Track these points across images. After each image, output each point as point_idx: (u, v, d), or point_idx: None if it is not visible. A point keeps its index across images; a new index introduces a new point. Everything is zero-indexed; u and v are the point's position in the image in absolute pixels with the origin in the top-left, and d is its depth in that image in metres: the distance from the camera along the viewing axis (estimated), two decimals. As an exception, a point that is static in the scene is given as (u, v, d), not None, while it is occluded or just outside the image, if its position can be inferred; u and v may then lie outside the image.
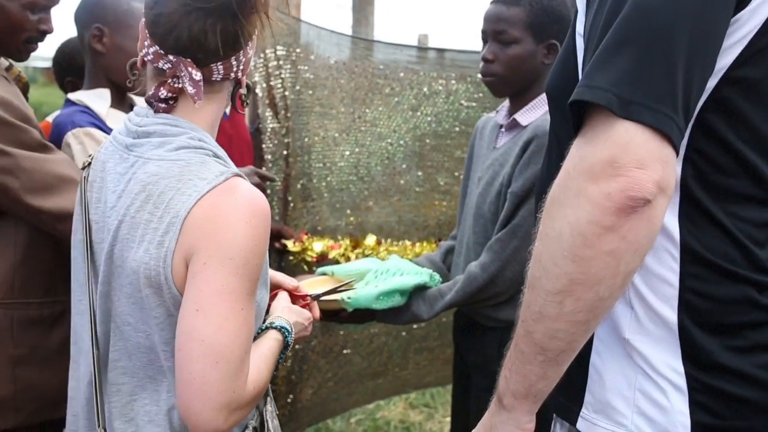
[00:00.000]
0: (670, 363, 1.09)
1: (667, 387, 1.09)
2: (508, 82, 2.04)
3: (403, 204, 3.13)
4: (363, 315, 2.00)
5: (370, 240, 2.79)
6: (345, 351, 3.08)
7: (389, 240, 2.83)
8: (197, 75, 1.26)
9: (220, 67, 1.29)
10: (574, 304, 0.98)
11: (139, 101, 2.21)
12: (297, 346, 2.83)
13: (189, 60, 1.26)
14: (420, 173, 3.15)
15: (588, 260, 0.95)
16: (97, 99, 2.06)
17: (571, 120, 1.02)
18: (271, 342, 1.39)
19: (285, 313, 1.51)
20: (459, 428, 2.37)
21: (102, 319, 1.33)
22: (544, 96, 1.99)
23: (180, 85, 1.27)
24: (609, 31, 0.97)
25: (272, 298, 1.57)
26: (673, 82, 0.94)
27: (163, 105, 1.31)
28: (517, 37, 1.97)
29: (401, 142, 3.13)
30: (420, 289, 2.05)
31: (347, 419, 3.91)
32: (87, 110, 2.03)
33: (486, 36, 2.05)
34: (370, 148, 3.08)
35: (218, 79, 1.30)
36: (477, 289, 1.97)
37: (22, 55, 1.89)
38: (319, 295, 1.80)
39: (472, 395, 2.18)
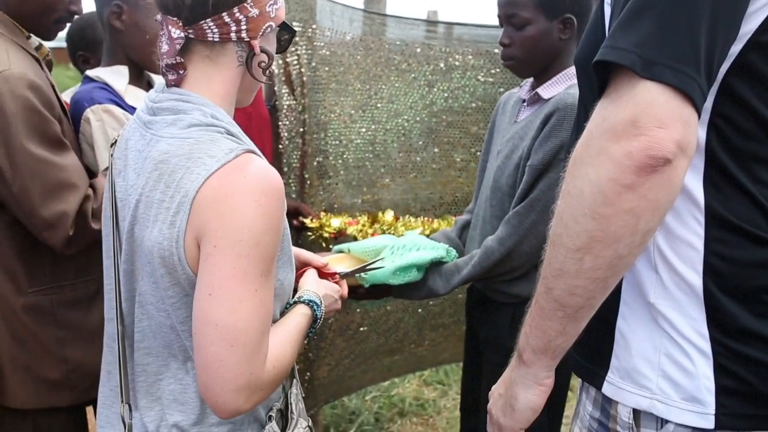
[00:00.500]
0: (695, 327, 1.09)
1: (692, 351, 1.09)
2: (528, 64, 2.02)
3: (420, 181, 3.11)
4: (380, 291, 2.00)
5: (389, 216, 2.79)
6: (362, 328, 3.09)
7: (407, 216, 2.82)
8: (176, 33, 1.23)
9: (212, 25, 1.23)
10: (594, 261, 1.00)
11: (157, 78, 2.22)
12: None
13: (174, 18, 1.23)
14: (436, 150, 3.13)
15: (607, 218, 0.96)
16: (116, 76, 2.06)
17: (595, 82, 1.03)
18: (297, 317, 1.38)
19: (313, 286, 1.50)
20: (469, 403, 2.38)
21: (127, 297, 1.32)
22: (567, 71, 1.99)
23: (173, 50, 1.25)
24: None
25: (300, 276, 1.57)
26: (696, 44, 0.95)
27: (173, 76, 1.28)
28: (529, 18, 1.95)
29: (417, 118, 3.10)
30: (436, 264, 2.05)
31: (362, 397, 3.93)
32: (106, 87, 2.04)
33: (500, 20, 2.04)
34: (386, 125, 3.06)
35: (216, 39, 1.25)
36: (494, 263, 1.96)
37: (51, 34, 1.91)
38: (348, 273, 1.80)
39: (483, 371, 2.19)
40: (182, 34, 1.23)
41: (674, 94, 0.94)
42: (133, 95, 2.06)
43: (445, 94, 3.13)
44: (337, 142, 2.94)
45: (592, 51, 1.16)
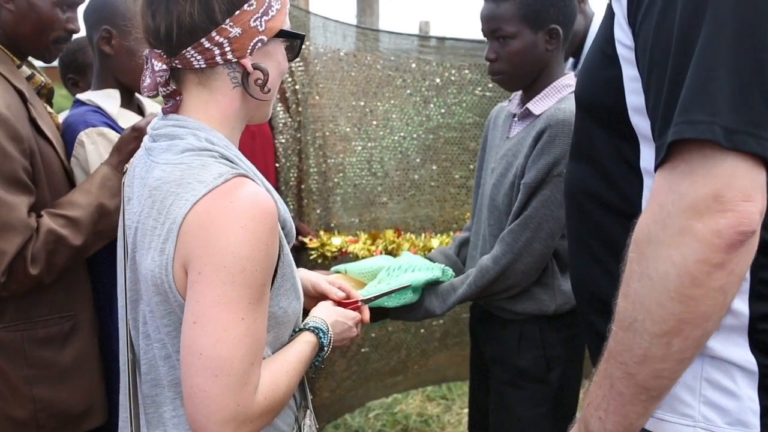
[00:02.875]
0: (738, 350, 1.07)
1: (736, 372, 1.07)
2: (516, 78, 2.00)
3: (418, 199, 3.08)
4: (376, 313, 1.98)
5: (390, 232, 2.76)
6: (363, 350, 3.05)
7: (408, 234, 2.79)
8: (158, 65, 1.21)
9: (194, 52, 1.20)
10: (683, 343, 0.96)
11: (146, 102, 2.20)
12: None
13: (158, 51, 1.22)
14: (434, 167, 3.10)
15: (697, 299, 0.93)
16: (107, 99, 2.04)
17: (656, 155, 0.98)
18: (301, 345, 1.34)
19: (322, 313, 1.46)
20: (476, 421, 2.35)
21: (134, 325, 1.30)
22: (556, 83, 1.97)
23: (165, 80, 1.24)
24: (691, 55, 0.94)
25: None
26: None
27: (169, 104, 1.26)
28: (513, 32, 1.93)
29: (414, 135, 3.08)
30: (433, 284, 2.03)
31: (365, 414, 3.89)
32: (99, 110, 2.02)
33: (485, 35, 2.02)
34: (383, 143, 3.03)
35: (202, 66, 1.22)
36: (489, 281, 1.95)
37: (52, 54, 1.88)
38: (370, 299, 1.77)
39: (491, 388, 2.16)
40: (164, 67, 1.22)
41: (755, 163, 0.91)
42: (126, 118, 2.04)
43: (442, 110, 3.10)
44: (334, 160, 2.91)
45: (598, 91, 1.14)
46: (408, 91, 3.05)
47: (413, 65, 3.06)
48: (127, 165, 1.40)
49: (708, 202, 0.91)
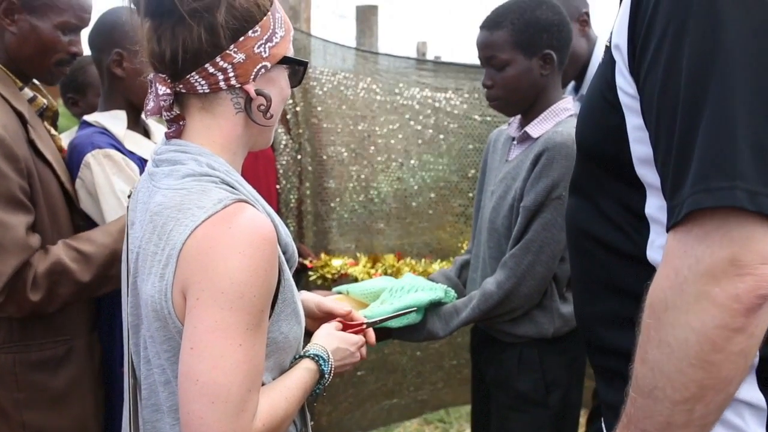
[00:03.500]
0: (746, 388, 1.05)
1: (744, 409, 1.05)
2: (512, 103, 2.03)
3: (416, 227, 3.07)
4: (380, 334, 1.97)
5: (389, 256, 2.76)
6: (359, 372, 3.03)
7: (408, 258, 2.78)
8: (162, 89, 1.22)
9: (198, 77, 1.22)
10: (705, 408, 0.95)
11: (153, 124, 2.21)
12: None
13: (162, 75, 1.23)
14: (432, 195, 3.09)
15: (718, 364, 0.91)
16: (114, 120, 2.05)
17: (668, 216, 0.97)
18: (300, 372, 1.33)
19: (323, 339, 1.45)
20: (479, 445, 2.33)
21: (135, 350, 1.30)
22: (554, 107, 2.00)
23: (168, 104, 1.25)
24: (701, 113, 0.92)
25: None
26: None
27: (172, 129, 1.27)
28: (507, 59, 1.96)
29: (413, 161, 3.07)
30: (435, 306, 2.03)
31: (363, 438, 3.86)
32: (105, 132, 2.02)
33: (481, 62, 2.05)
34: (380, 167, 3.03)
35: (206, 91, 1.23)
36: (493, 306, 1.96)
37: (54, 77, 1.89)
38: (375, 322, 1.76)
39: (492, 412, 2.16)
40: (168, 91, 1.23)
41: None
42: (132, 140, 2.05)
43: (441, 135, 3.09)
44: (332, 185, 2.91)
45: (598, 137, 1.13)
46: (407, 116, 3.05)
47: (413, 89, 3.06)
48: (131, 189, 1.40)
49: (725, 267, 0.89)
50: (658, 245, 1.06)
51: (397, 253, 2.81)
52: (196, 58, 1.20)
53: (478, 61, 2.08)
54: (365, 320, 1.68)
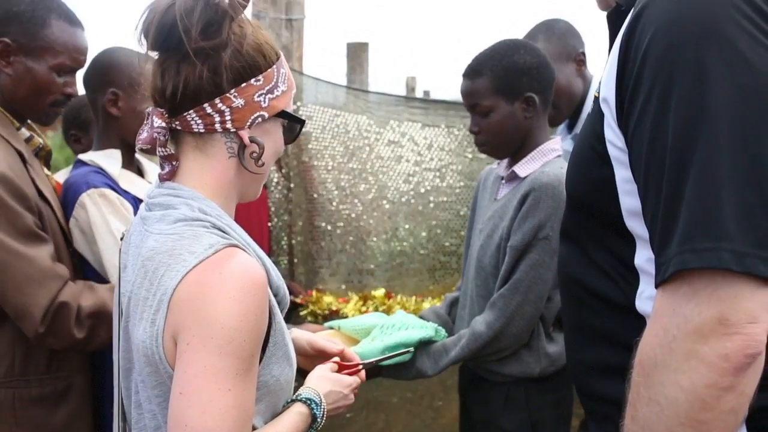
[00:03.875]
0: None
1: None
2: (500, 147, 2.07)
3: (407, 267, 3.06)
4: (369, 372, 1.97)
5: (380, 292, 2.75)
6: (348, 415, 2.99)
7: (399, 295, 2.77)
8: (157, 122, 1.23)
9: (195, 116, 1.23)
10: None
11: (146, 163, 2.22)
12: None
13: (161, 110, 1.24)
14: (424, 234, 3.08)
15: (708, 423, 0.92)
16: (109, 159, 2.06)
17: (656, 273, 0.97)
18: (292, 416, 1.32)
19: (315, 382, 1.44)
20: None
21: (126, 395, 1.29)
22: (541, 147, 2.04)
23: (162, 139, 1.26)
24: (687, 172, 0.92)
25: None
26: None
27: (166, 170, 1.28)
28: (490, 105, 2.01)
29: (403, 199, 3.07)
30: (425, 344, 2.04)
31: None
32: (100, 171, 2.03)
33: (467, 109, 2.10)
34: (371, 206, 3.03)
35: (201, 131, 1.24)
36: (482, 345, 1.98)
37: (49, 118, 1.91)
38: (370, 363, 1.76)
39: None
40: (163, 124, 1.24)
41: (758, 283, 0.89)
42: (127, 179, 2.06)
43: (432, 174, 3.10)
44: (323, 223, 2.90)
45: (588, 189, 1.14)
46: (398, 153, 3.06)
47: (403, 126, 3.08)
48: (123, 231, 1.41)
49: (713, 325, 0.89)
50: (647, 296, 1.06)
51: (388, 293, 2.80)
52: (196, 97, 1.22)
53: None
54: (360, 360, 1.67)
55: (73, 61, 1.84)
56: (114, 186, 2.00)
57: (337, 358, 1.60)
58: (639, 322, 1.02)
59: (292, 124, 1.35)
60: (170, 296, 1.15)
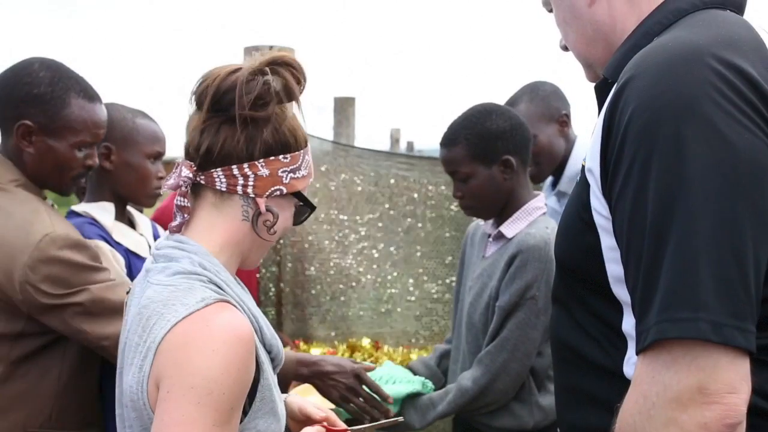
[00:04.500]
0: None
1: None
2: (483, 210, 2.12)
3: (395, 314, 3.11)
4: (355, 425, 1.97)
5: (366, 342, 2.76)
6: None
7: (386, 347, 2.80)
8: (185, 172, 1.30)
9: (221, 174, 1.29)
10: None
11: (137, 215, 2.25)
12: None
13: (190, 162, 1.31)
14: (411, 281, 3.14)
15: None
16: (102, 211, 2.08)
17: (636, 341, 0.98)
18: None
19: None
20: None
21: None
22: (526, 207, 2.07)
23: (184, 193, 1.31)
24: (666, 244, 0.94)
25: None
26: (748, 292, 0.92)
27: (176, 222, 1.33)
28: (468, 172, 2.05)
29: (391, 249, 3.13)
30: (412, 396, 2.05)
31: None
32: (94, 222, 2.05)
33: (449, 175, 2.15)
34: (360, 256, 3.08)
35: (223, 189, 1.30)
36: (468, 401, 2.01)
37: (69, 190, 1.94)
38: (359, 429, 1.72)
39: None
40: (191, 175, 1.30)
41: (737, 354, 0.90)
42: (119, 232, 2.09)
43: (419, 224, 3.17)
44: (312, 272, 2.95)
45: (576, 255, 1.16)
46: (386, 205, 3.13)
47: (392, 181, 3.15)
48: (130, 285, 1.44)
49: (693, 394, 0.90)
50: (634, 362, 1.05)
51: (376, 343, 2.82)
52: (227, 158, 1.29)
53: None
54: (347, 428, 1.64)
55: (93, 136, 1.88)
56: (107, 238, 2.03)
57: (326, 423, 1.59)
58: (627, 386, 1.00)
59: (303, 208, 1.41)
60: (158, 344, 1.18)
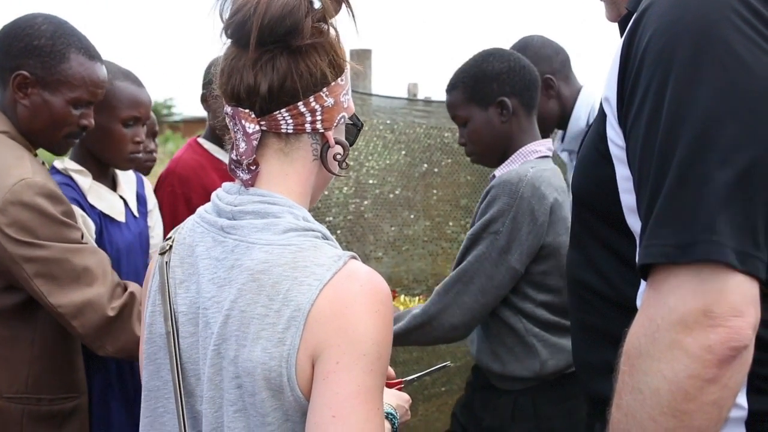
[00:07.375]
0: None
1: None
2: (484, 155, 2.11)
3: (412, 254, 3.18)
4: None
5: None
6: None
7: (402, 296, 2.88)
8: (251, 127, 1.12)
9: (286, 115, 1.12)
10: None
11: (121, 174, 2.18)
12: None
13: (246, 110, 1.13)
14: (427, 223, 3.21)
15: (691, 413, 0.91)
16: (82, 171, 2.02)
17: (639, 269, 0.99)
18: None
19: (387, 397, 1.37)
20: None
21: (214, 427, 1.15)
22: (522, 150, 2.04)
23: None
24: (671, 168, 0.94)
25: None
26: (754, 218, 0.91)
27: (247, 176, 1.16)
28: (466, 115, 2.05)
29: (408, 193, 3.20)
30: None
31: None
32: (71, 183, 1.99)
33: (453, 121, 2.17)
34: (377, 201, 3.15)
35: (290, 131, 1.14)
36: (415, 328, 1.99)
37: (62, 149, 1.91)
38: (412, 379, 1.73)
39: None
40: (257, 128, 1.13)
41: (744, 277, 0.90)
42: (96, 194, 2.02)
43: (436, 169, 3.23)
44: (330, 218, 3.02)
45: (594, 188, 1.17)
46: (403, 152, 3.19)
47: (406, 128, 3.20)
48: (169, 243, 1.24)
49: (697, 317, 0.90)
50: None
51: (393, 292, 2.90)
52: (292, 95, 1.12)
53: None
54: (403, 379, 1.63)
55: (90, 94, 1.83)
56: (81, 201, 1.96)
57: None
58: None
59: (351, 127, 1.25)
60: (307, 312, 1.05)
